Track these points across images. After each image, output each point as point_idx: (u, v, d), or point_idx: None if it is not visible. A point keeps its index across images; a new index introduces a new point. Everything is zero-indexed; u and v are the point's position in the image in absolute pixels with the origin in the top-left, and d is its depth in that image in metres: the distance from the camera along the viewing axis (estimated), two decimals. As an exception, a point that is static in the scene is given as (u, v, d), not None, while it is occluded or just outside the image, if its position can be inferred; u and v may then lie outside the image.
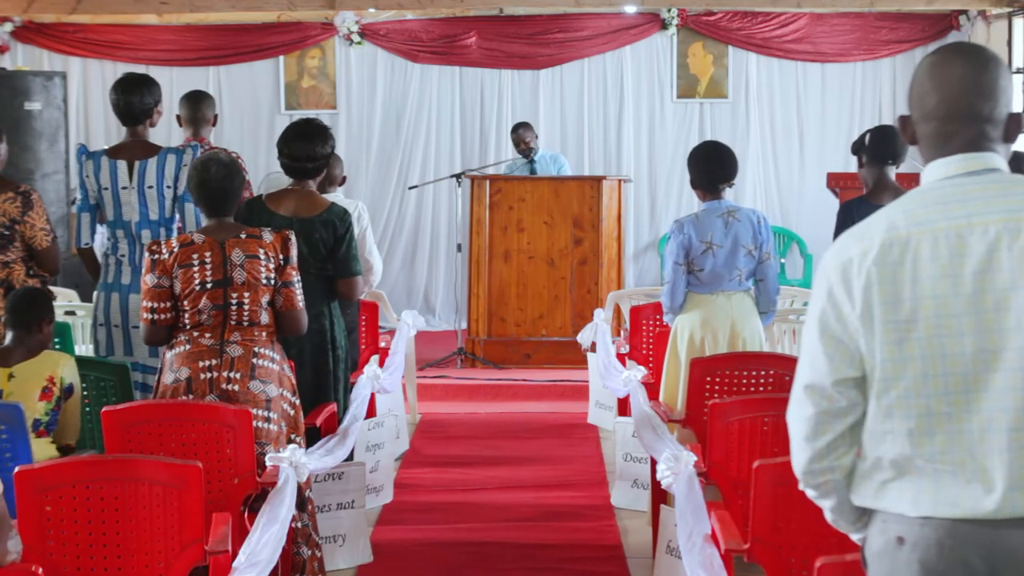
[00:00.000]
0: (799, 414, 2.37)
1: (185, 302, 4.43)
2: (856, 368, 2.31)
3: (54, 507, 3.51)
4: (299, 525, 4.51)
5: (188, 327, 4.46)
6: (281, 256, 4.50)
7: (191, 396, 4.38)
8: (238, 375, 4.40)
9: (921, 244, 2.25)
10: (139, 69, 9.05)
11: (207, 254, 4.43)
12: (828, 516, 2.45)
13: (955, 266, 2.23)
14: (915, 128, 2.39)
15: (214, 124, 6.23)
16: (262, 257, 4.46)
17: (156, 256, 4.44)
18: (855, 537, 2.46)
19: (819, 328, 2.32)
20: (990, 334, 2.22)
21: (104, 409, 4.30)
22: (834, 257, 2.34)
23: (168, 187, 5.43)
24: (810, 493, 2.43)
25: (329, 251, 5.19)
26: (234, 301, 4.43)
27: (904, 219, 2.28)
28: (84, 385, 4.80)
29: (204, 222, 4.64)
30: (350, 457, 5.39)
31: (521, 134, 9.93)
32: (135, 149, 5.52)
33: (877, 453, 2.31)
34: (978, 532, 2.21)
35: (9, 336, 4.63)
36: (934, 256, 2.24)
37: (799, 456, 2.38)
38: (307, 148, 5.29)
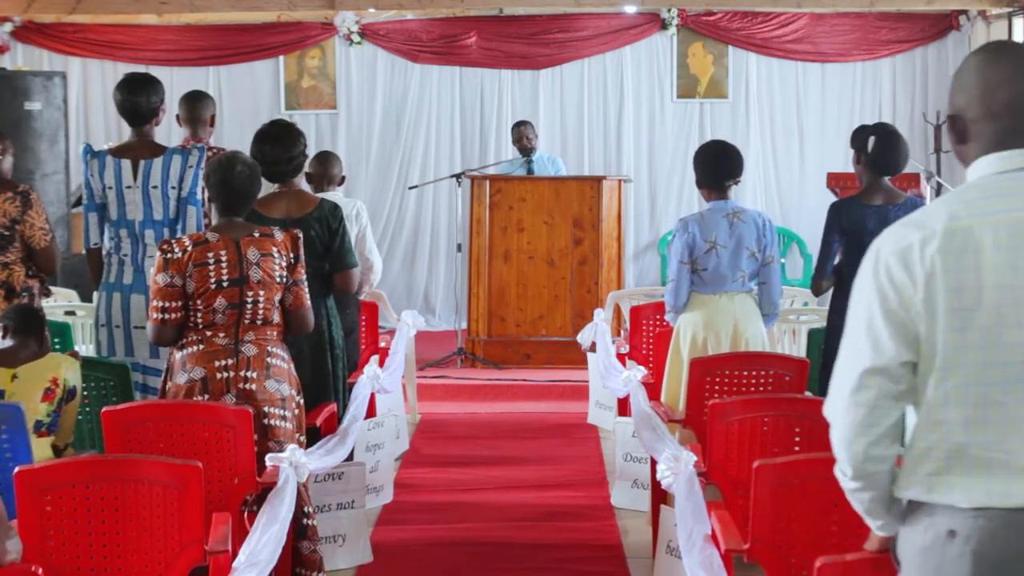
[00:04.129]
0: (853, 401, 2.34)
1: (198, 301, 4.41)
2: (914, 353, 2.31)
3: (54, 507, 3.51)
4: (313, 523, 4.52)
5: (200, 326, 4.43)
6: (291, 254, 4.52)
7: (207, 396, 4.37)
8: (255, 374, 4.40)
9: (984, 234, 2.27)
10: (139, 69, 9.04)
11: (222, 252, 4.42)
12: (863, 507, 2.44)
13: (1017, 256, 2.26)
14: (970, 127, 2.39)
15: (212, 125, 6.21)
16: (276, 255, 4.47)
17: (169, 255, 4.40)
18: (878, 524, 2.45)
19: (883, 312, 2.31)
20: None
21: (104, 409, 4.30)
22: (892, 244, 2.33)
23: (173, 187, 5.42)
24: (853, 485, 2.41)
25: (325, 247, 5.21)
26: (249, 300, 4.42)
27: (964, 209, 2.29)
28: (84, 385, 4.80)
29: (206, 223, 4.64)
30: (350, 457, 5.39)
31: (523, 131, 9.94)
32: (140, 149, 5.51)
33: (927, 443, 2.31)
34: None
35: (13, 339, 4.63)
36: (996, 246, 2.26)
37: (854, 446, 2.36)
38: (279, 151, 5.28)
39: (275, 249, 4.48)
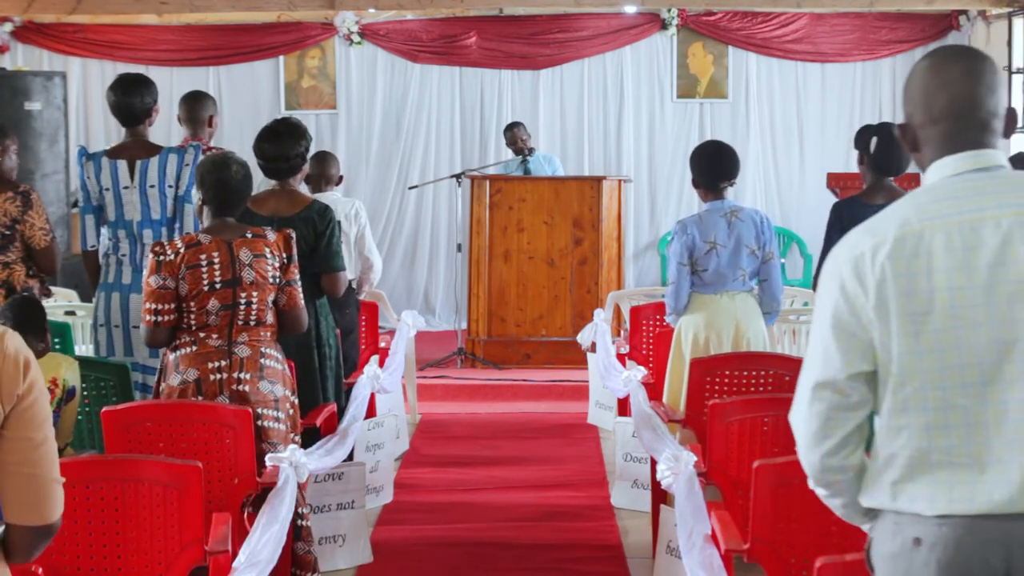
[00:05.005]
0: (809, 412, 2.35)
1: (192, 303, 4.40)
2: (869, 362, 2.30)
3: (54, 507, 3.50)
4: (307, 524, 4.51)
5: (194, 328, 4.43)
6: (284, 255, 4.51)
7: (201, 397, 4.37)
8: (248, 376, 4.40)
9: (935, 237, 2.26)
10: (139, 69, 9.04)
11: (215, 254, 4.41)
12: (839, 512, 2.44)
13: (969, 258, 2.24)
14: (918, 134, 2.39)
15: (210, 125, 6.12)
16: (268, 256, 4.46)
17: (162, 258, 4.39)
18: (865, 528, 2.45)
19: (832, 322, 2.32)
20: (1005, 325, 2.22)
21: (104, 409, 4.30)
22: (845, 252, 2.34)
23: (170, 186, 5.43)
24: (821, 492, 2.42)
25: (311, 248, 5.19)
26: (243, 301, 4.42)
27: (916, 214, 2.28)
28: (84, 385, 4.80)
29: (203, 223, 4.62)
30: (350, 457, 5.39)
31: (517, 132, 9.93)
32: (136, 149, 5.51)
33: (891, 449, 2.30)
34: (996, 528, 2.21)
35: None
36: (948, 249, 2.25)
37: (810, 456, 2.38)
38: (277, 148, 5.28)
39: (268, 250, 4.47)
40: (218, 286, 4.40)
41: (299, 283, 4.57)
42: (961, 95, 2.33)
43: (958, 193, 2.29)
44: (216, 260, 4.40)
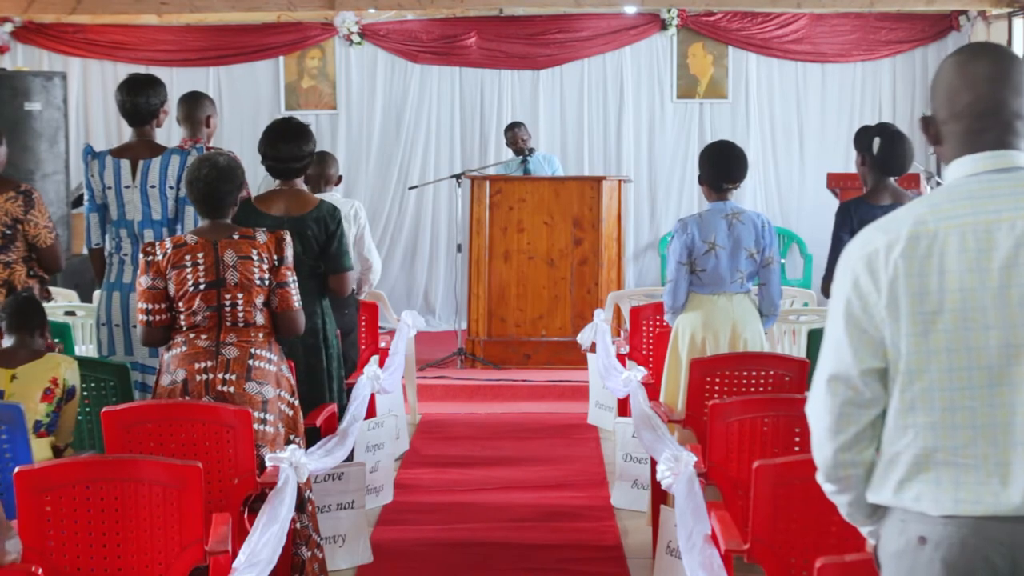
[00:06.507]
0: (823, 407, 2.36)
1: (180, 303, 4.42)
2: (880, 359, 2.31)
3: (54, 507, 3.51)
4: (298, 526, 4.51)
5: (185, 329, 4.44)
6: (275, 256, 4.49)
7: (187, 398, 4.37)
8: (234, 377, 4.39)
9: (949, 238, 2.25)
10: (139, 69, 9.03)
11: (199, 255, 4.42)
12: (844, 511, 2.44)
13: (982, 260, 2.24)
14: (941, 129, 2.38)
15: (208, 125, 6.10)
16: (255, 258, 4.45)
17: (150, 258, 4.43)
18: (866, 531, 2.46)
19: (845, 318, 2.32)
20: (1015, 329, 2.22)
21: (104, 409, 4.30)
22: (859, 248, 2.34)
23: (171, 187, 5.43)
24: (829, 488, 2.42)
25: (321, 248, 5.21)
26: (227, 302, 4.42)
27: (931, 213, 2.28)
28: (84, 385, 4.80)
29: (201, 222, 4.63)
30: (350, 457, 5.40)
31: (518, 133, 9.93)
32: (140, 149, 5.52)
33: (896, 448, 2.30)
34: (1000, 529, 2.21)
35: (11, 339, 4.63)
36: (961, 250, 2.24)
37: (823, 450, 2.38)
38: (292, 148, 5.30)
39: (255, 251, 4.45)
40: (202, 287, 4.40)
41: (294, 285, 4.54)
42: (984, 95, 2.32)
43: (975, 194, 2.29)
44: (200, 261, 4.41)
